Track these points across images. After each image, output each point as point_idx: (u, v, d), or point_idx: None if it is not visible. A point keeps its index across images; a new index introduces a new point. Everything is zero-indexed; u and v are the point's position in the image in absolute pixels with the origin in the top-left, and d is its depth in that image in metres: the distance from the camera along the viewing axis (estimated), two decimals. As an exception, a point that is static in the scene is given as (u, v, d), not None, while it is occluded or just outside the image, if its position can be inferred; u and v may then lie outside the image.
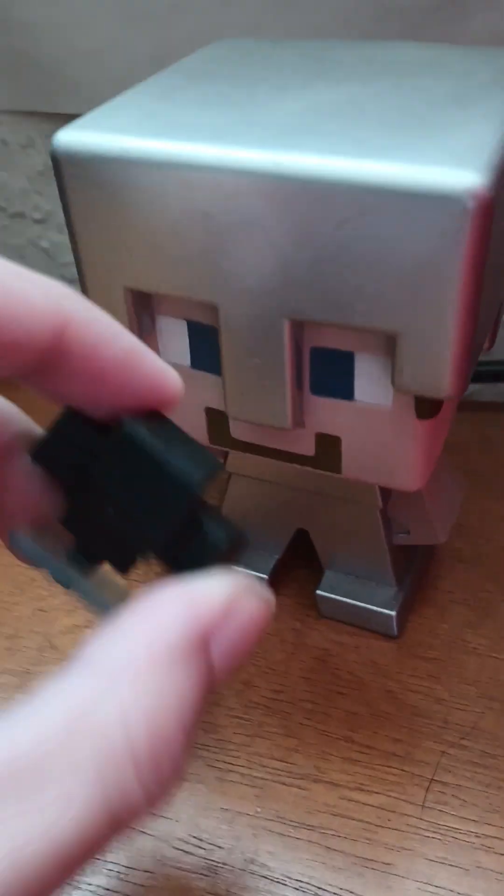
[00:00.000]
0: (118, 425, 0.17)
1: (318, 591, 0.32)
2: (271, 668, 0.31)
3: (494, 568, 0.35)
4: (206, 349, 0.24)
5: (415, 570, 0.33)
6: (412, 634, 0.32)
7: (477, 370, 0.43)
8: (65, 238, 0.48)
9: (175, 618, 0.15)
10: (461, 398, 0.23)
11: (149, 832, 0.27)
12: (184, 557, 0.17)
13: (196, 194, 0.21)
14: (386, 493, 0.29)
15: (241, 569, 0.17)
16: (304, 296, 0.21)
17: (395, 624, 0.31)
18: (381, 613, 0.31)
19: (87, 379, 0.17)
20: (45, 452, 0.18)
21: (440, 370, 0.21)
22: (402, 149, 0.20)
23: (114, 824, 0.13)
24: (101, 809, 0.13)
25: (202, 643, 0.15)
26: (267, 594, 0.17)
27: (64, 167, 0.22)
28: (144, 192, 0.22)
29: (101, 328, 0.17)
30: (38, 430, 0.20)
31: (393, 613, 0.31)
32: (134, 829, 0.14)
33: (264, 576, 0.32)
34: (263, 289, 0.21)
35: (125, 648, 0.14)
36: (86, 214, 0.23)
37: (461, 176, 0.18)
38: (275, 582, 0.33)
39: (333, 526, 0.31)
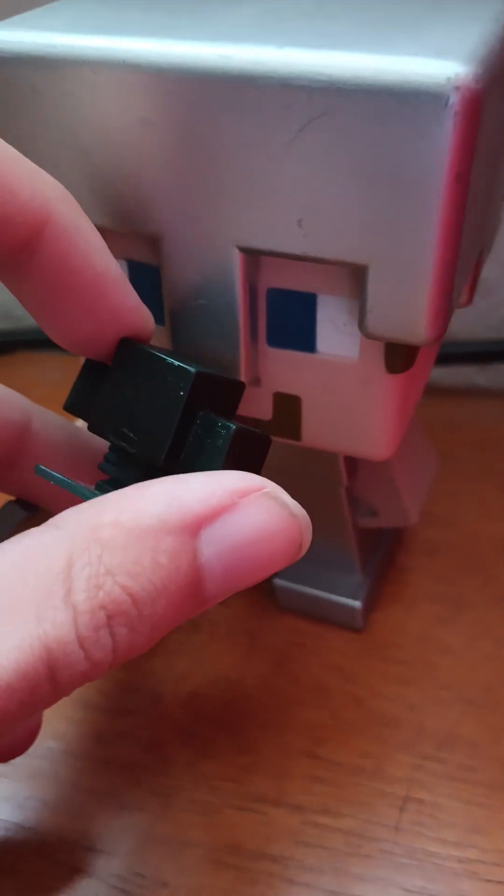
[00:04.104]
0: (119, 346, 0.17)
1: (276, 580, 0.29)
2: (221, 675, 0.28)
3: (465, 556, 0.32)
4: (148, 295, 0.21)
5: (379, 560, 0.30)
6: (379, 634, 0.29)
7: (442, 352, 0.40)
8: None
9: (157, 498, 0.14)
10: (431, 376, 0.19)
11: (82, 867, 0.23)
12: (197, 460, 0.16)
13: (134, 98, 0.17)
14: (351, 469, 0.26)
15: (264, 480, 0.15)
16: (259, 219, 0.18)
17: (360, 616, 0.28)
18: (345, 605, 0.28)
19: (52, 290, 0.16)
20: (74, 401, 0.18)
21: (416, 308, 0.18)
22: (374, 42, 0.16)
23: (51, 672, 0.12)
24: (37, 649, 0.12)
25: (184, 529, 0.13)
26: (299, 509, 0.15)
27: None
28: (74, 98, 0.18)
29: (78, 239, 0.16)
30: (42, 409, 0.21)
31: (358, 604, 0.28)
32: (77, 685, 0.13)
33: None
34: (211, 211, 0.18)
35: (94, 514, 0.14)
36: (8, 129, 0.19)
37: (443, 66, 0.15)
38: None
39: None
